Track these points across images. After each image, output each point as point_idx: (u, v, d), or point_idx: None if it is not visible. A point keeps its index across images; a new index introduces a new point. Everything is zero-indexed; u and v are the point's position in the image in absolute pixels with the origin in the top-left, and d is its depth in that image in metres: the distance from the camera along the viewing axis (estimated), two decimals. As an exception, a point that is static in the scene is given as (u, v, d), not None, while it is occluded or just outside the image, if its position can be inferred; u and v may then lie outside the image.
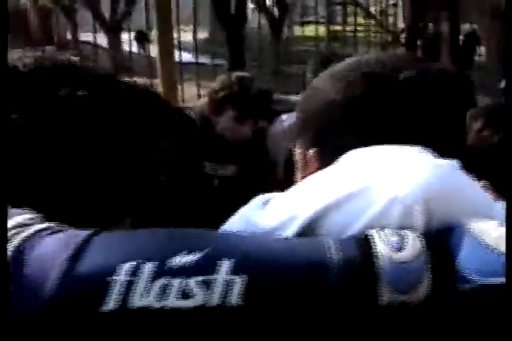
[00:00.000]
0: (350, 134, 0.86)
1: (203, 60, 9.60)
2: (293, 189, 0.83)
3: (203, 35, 16.06)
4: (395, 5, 21.09)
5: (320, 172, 0.84)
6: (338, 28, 14.82)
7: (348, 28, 13.94)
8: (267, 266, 0.65)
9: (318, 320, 0.64)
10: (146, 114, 0.92)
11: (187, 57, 8.58)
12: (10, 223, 0.72)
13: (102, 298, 0.63)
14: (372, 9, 15.65)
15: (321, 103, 0.89)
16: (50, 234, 0.70)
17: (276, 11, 14.10)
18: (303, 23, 14.07)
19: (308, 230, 0.74)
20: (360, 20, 15.29)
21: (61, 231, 0.71)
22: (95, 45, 14.24)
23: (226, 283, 0.63)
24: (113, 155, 0.87)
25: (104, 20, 16.96)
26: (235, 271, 0.64)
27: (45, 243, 0.68)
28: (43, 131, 0.83)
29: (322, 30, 10.31)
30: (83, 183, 0.85)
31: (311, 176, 0.84)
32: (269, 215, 0.78)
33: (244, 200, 0.81)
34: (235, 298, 0.63)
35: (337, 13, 18.23)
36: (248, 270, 0.64)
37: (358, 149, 0.83)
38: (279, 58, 13.91)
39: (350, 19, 15.44)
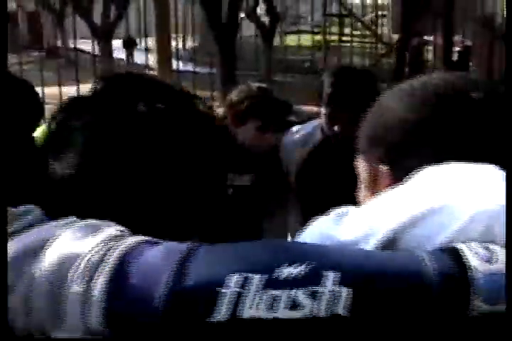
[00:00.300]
0: (424, 151, 0.88)
1: (191, 68, 9.55)
2: (369, 203, 0.85)
3: (192, 43, 16.09)
4: (384, 16, 21.28)
5: (396, 187, 0.86)
6: (332, 37, 14.94)
7: (342, 38, 14.07)
8: (371, 277, 0.67)
9: (421, 327, 0.67)
10: (216, 130, 0.95)
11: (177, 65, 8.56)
12: (101, 235, 0.74)
13: (212, 309, 0.66)
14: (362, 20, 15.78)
15: (392, 120, 0.93)
16: (150, 246, 0.73)
17: (267, 20, 14.15)
18: (293, 32, 14.08)
19: (389, 244, 0.76)
20: (353, 31, 15.46)
21: (159, 243, 0.74)
22: (85, 52, 14.23)
23: (333, 294, 0.65)
24: (190, 170, 0.89)
25: (95, 27, 16.91)
26: (341, 282, 0.66)
27: (147, 255, 0.71)
28: (119, 146, 0.85)
29: (312, 38, 10.35)
30: (159, 200, 0.87)
31: (387, 191, 0.86)
32: (346, 229, 0.80)
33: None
34: (341, 308, 0.65)
35: (329, 22, 18.34)
36: (353, 281, 0.67)
37: (434, 166, 0.85)
38: (271, 67, 13.95)
39: (341, 29, 15.61)
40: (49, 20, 18.93)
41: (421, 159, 0.88)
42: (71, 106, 0.91)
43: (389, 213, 0.79)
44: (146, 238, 0.75)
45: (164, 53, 5.28)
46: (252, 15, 13.97)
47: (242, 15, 14.25)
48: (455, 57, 10.41)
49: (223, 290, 0.66)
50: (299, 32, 14.22)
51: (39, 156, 1.77)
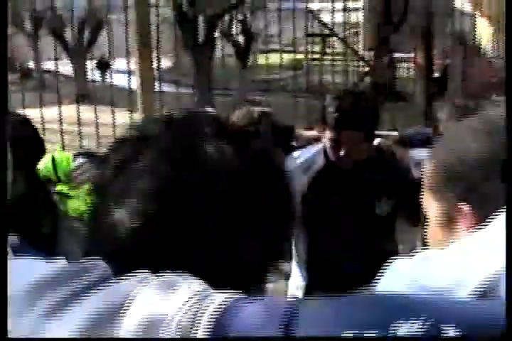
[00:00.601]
0: (505, 191, 0.90)
1: (167, 88, 9.56)
2: (453, 247, 0.87)
3: (166, 63, 16.12)
4: (357, 33, 21.50)
5: (479, 230, 0.88)
6: (301, 56, 15.07)
7: (315, 57, 14.20)
8: (481, 327, 0.67)
9: None
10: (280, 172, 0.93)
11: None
12: (185, 293, 0.73)
13: None
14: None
15: (473, 160, 0.96)
16: (243, 305, 0.71)
17: (241, 40, 14.27)
18: (267, 51, 14.21)
19: (485, 294, 0.77)
20: (324, 49, 15.63)
21: (251, 301, 0.72)
22: (58, 73, 14.17)
23: None
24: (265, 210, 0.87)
25: (68, 48, 16.88)
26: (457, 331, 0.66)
27: (244, 314, 0.70)
28: (191, 191, 0.84)
29: (285, 58, 10.44)
30: (232, 245, 0.85)
31: (469, 233, 0.89)
32: (436, 276, 0.82)
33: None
34: None
35: (300, 42, 18.52)
36: (469, 331, 0.66)
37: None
38: (246, 86, 14.04)
39: (323, 48, 15.77)
40: (22, 41, 18.86)
41: (502, 199, 0.89)
42: (129, 147, 0.89)
43: (479, 261, 0.80)
44: (235, 295, 0.73)
45: (147, 75, 5.25)
46: (227, 35, 14.09)
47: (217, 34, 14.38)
48: (436, 73, 10.58)
49: None
50: (269, 51, 14.34)
51: (43, 188, 1.75)
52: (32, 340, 0.81)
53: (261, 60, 14.80)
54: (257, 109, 2.85)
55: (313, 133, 3.13)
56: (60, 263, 0.81)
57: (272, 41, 16.15)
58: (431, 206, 1.04)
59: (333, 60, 11.64)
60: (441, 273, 0.81)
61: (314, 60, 15.11)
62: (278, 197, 0.88)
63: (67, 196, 2.30)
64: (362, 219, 2.64)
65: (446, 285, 0.79)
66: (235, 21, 15.31)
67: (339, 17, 17.24)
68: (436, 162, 1.03)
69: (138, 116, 4.11)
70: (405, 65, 9.71)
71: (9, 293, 0.78)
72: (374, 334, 0.64)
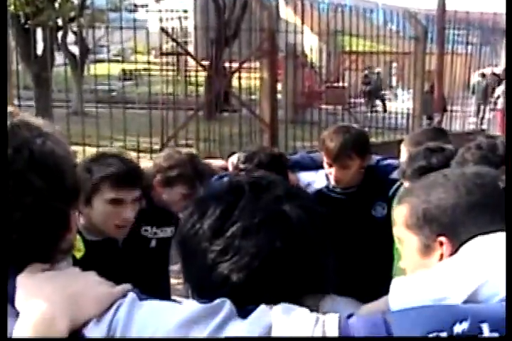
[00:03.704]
0: (472, 226, 1.27)
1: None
2: (436, 269, 1.22)
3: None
4: (186, 42, 21.75)
5: (451, 257, 1.23)
6: (131, 66, 14.98)
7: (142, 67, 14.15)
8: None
9: None
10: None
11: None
12: (309, 316, 0.98)
13: None
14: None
15: (445, 205, 1.32)
16: (347, 319, 0.99)
17: (77, 51, 14.12)
18: (96, 62, 13.93)
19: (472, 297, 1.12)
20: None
21: (351, 315, 1.00)
22: None
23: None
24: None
25: None
26: (492, 329, 0.97)
27: (354, 328, 0.97)
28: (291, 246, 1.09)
29: (109, 68, 10.27)
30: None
31: (445, 260, 1.23)
32: (436, 288, 1.16)
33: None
34: None
35: (128, 51, 18.44)
36: (498, 327, 0.98)
37: (478, 238, 1.24)
38: (81, 98, 13.90)
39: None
40: None
41: (471, 231, 1.27)
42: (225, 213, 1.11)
43: (463, 274, 1.15)
44: (338, 314, 0.99)
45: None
46: (62, 46, 13.93)
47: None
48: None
49: None
50: (97, 61, 14.11)
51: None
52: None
53: (92, 70, 14.48)
54: (184, 151, 3.07)
55: (221, 163, 3.45)
56: (191, 305, 1.03)
57: (102, 52, 15.91)
58: (409, 239, 1.36)
59: (166, 70, 11.65)
60: (437, 286, 1.14)
61: (145, 70, 15.10)
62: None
63: None
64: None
65: (443, 295, 1.12)
66: (69, 32, 15.15)
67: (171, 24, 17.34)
68: (410, 207, 1.37)
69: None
70: (243, 75, 10.00)
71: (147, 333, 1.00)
72: (444, 335, 0.94)
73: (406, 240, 1.37)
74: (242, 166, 2.96)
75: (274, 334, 0.95)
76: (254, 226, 1.08)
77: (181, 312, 1.02)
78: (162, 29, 9.58)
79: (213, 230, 1.09)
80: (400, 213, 1.39)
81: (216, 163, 3.51)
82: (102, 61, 14.35)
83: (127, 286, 1.14)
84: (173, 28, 16.20)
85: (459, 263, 1.21)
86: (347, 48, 13.11)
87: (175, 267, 3.27)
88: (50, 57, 9.61)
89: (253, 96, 11.14)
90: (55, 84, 13.17)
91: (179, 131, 8.86)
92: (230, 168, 3.21)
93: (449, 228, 1.29)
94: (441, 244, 1.29)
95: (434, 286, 1.18)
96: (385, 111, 16.17)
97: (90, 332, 1.04)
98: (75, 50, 14.78)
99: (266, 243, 1.07)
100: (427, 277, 1.22)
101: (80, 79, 14.67)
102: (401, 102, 17.17)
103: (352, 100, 14.03)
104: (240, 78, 9.69)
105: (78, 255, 2.32)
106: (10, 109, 1.22)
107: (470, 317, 0.96)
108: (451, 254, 1.26)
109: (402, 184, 3.15)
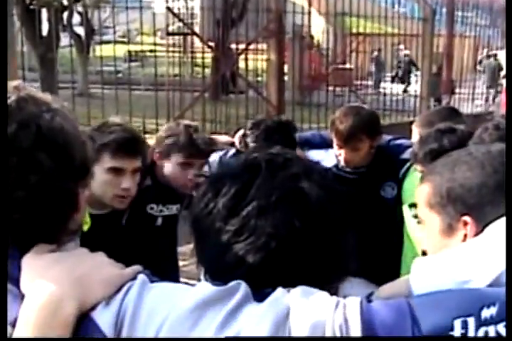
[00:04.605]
0: (498, 207, 1.22)
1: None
2: (458, 250, 1.17)
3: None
4: (192, 24, 21.61)
5: (475, 238, 1.19)
6: (137, 48, 14.91)
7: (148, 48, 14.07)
8: None
9: None
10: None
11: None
12: (328, 301, 0.94)
13: None
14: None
15: (470, 184, 1.27)
16: (369, 304, 0.95)
17: (82, 32, 14.06)
18: (102, 43, 13.84)
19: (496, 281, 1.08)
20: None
21: (371, 301, 0.96)
22: None
23: None
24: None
25: None
26: None
27: (379, 313, 0.93)
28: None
29: (114, 49, 10.19)
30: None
31: (474, 240, 1.19)
32: (459, 270, 1.10)
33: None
34: None
35: (134, 32, 18.36)
36: None
37: (504, 219, 1.19)
38: (86, 79, 13.86)
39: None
40: None
41: (497, 212, 1.22)
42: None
43: (482, 264, 1.11)
44: (359, 298, 0.96)
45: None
46: (67, 27, 13.85)
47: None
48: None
49: (453, 333, 0.90)
50: (103, 43, 14.08)
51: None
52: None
53: (98, 51, 14.43)
54: (183, 122, 3.04)
55: (226, 139, 3.42)
56: (205, 287, 0.98)
57: (108, 33, 15.86)
58: (431, 219, 1.31)
59: (173, 51, 11.58)
60: (462, 268, 1.09)
61: (151, 51, 15.04)
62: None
63: None
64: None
65: (468, 278, 1.07)
66: (75, 13, 15.05)
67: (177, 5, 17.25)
68: (433, 186, 1.32)
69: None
70: (250, 56, 9.94)
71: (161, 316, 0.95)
72: (472, 320, 0.90)
73: (428, 220, 1.33)
74: (248, 132, 2.92)
75: (293, 317, 0.92)
76: (271, 204, 1.04)
77: (195, 294, 0.98)
78: (168, 8, 9.47)
79: (228, 209, 1.05)
80: (422, 192, 1.36)
81: (221, 138, 3.48)
82: (107, 42, 14.30)
83: (137, 268, 1.10)
84: (179, 9, 16.07)
85: (484, 244, 1.17)
86: (354, 30, 13.00)
87: (183, 248, 3.25)
88: (55, 38, 9.53)
89: (259, 78, 11.07)
90: (60, 66, 13.10)
91: (185, 113, 8.80)
92: (237, 143, 3.17)
93: (475, 208, 1.25)
94: (466, 224, 1.26)
95: (458, 268, 1.14)
96: (405, 91, 15.90)
97: (99, 315, 1.01)
98: (80, 31, 14.69)
99: (283, 222, 1.03)
100: (450, 258, 1.18)
101: (85, 61, 14.59)
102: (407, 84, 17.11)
103: (358, 82, 13.96)
104: (246, 59, 9.62)
105: (85, 227, 2.28)
106: (15, 83, 1.17)
107: (498, 302, 0.93)
108: (476, 235, 1.22)
109: (412, 164, 3.11)
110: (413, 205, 3.13)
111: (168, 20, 10.14)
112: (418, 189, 1.41)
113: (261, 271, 1.02)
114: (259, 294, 0.98)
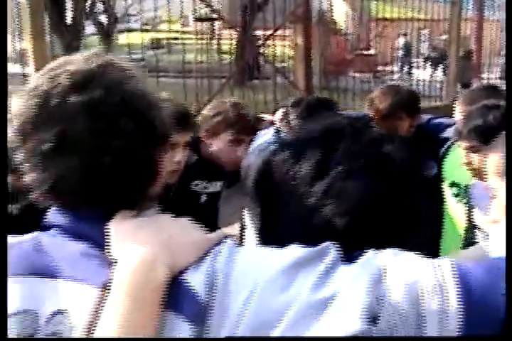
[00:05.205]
0: None
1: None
2: None
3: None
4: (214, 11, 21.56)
5: None
6: (162, 35, 14.97)
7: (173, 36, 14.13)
8: None
9: None
10: None
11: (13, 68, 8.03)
12: (424, 260, 0.95)
13: None
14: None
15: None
16: (463, 265, 0.94)
17: (105, 19, 14.10)
18: (127, 31, 13.94)
19: None
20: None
21: (463, 263, 0.96)
22: None
23: None
24: None
25: None
26: None
27: (471, 273, 0.93)
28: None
29: (142, 37, 10.21)
30: None
31: None
32: None
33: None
34: None
35: (157, 20, 18.39)
36: None
37: None
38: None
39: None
40: None
41: None
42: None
43: None
44: (449, 259, 0.96)
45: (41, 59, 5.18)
46: (90, 15, 13.90)
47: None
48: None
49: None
50: (128, 31, 14.16)
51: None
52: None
53: (122, 39, 14.50)
54: (229, 100, 3.04)
55: (268, 117, 3.41)
56: (294, 250, 0.98)
57: (132, 21, 15.91)
58: (503, 188, 1.29)
59: (200, 38, 11.58)
60: None
61: (175, 39, 15.08)
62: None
63: None
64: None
65: None
66: (98, 1, 15.09)
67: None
68: (500, 155, 1.31)
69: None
70: (272, 42, 9.90)
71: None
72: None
73: (499, 189, 1.32)
74: (290, 109, 2.91)
75: (388, 277, 0.91)
76: (357, 169, 1.04)
77: (286, 256, 0.97)
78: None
79: (314, 173, 1.05)
80: (492, 162, 1.35)
81: (264, 116, 3.47)
82: (130, 30, 14.34)
83: (222, 233, 1.09)
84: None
85: None
86: (377, 15, 12.91)
87: (226, 229, 3.25)
88: (79, 25, 9.56)
89: (284, 64, 11.03)
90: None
91: (213, 99, 8.80)
92: (278, 122, 3.15)
93: None
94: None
95: None
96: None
97: (190, 277, 0.99)
98: (103, 19, 14.74)
99: (369, 186, 1.03)
100: None
101: (109, 49, 14.65)
102: (431, 70, 16.97)
103: (382, 68, 13.88)
104: (274, 45, 9.60)
105: None
106: (94, 50, 1.17)
107: None
108: None
109: (453, 143, 3.08)
110: (454, 184, 3.12)
111: (194, 6, 10.14)
112: (488, 160, 1.40)
113: (347, 234, 1.02)
114: (349, 257, 0.97)
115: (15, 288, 1.03)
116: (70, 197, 1.09)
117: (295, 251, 0.98)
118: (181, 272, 1.01)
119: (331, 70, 13.18)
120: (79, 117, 1.04)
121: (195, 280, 0.99)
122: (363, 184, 1.03)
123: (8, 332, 0.98)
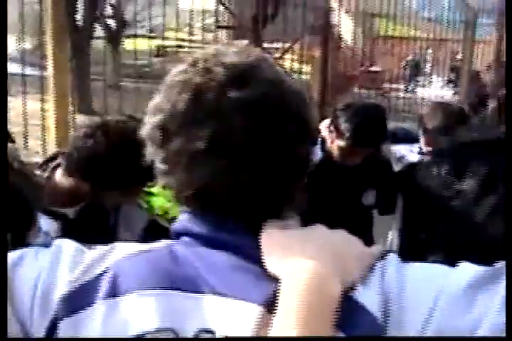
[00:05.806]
0: None
1: (30, 71, 9.07)
2: None
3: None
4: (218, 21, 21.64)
5: None
6: (168, 43, 14.96)
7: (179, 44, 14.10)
8: None
9: None
10: None
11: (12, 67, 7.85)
12: None
13: None
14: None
15: None
16: None
17: (113, 24, 14.09)
18: (134, 36, 13.88)
19: None
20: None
21: None
22: None
23: None
24: None
25: None
26: None
27: None
28: None
29: (149, 43, 10.21)
30: None
31: None
32: None
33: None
34: None
35: (160, 28, 18.41)
36: None
37: None
38: (117, 72, 13.88)
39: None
40: None
41: None
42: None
43: None
44: None
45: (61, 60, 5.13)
46: (99, 19, 13.90)
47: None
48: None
49: None
50: (135, 36, 14.13)
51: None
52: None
53: (128, 45, 14.47)
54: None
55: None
56: (472, 267, 0.93)
57: (140, 27, 15.87)
58: None
59: (202, 47, 11.56)
60: None
61: (180, 46, 15.06)
62: None
63: (152, 194, 2.29)
64: (350, 208, 2.99)
65: None
66: (107, 5, 15.09)
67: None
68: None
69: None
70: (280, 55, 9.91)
71: None
72: None
73: None
74: (339, 113, 2.86)
75: None
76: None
77: (462, 274, 0.91)
78: (220, 1, 9.48)
79: (481, 188, 1.05)
80: None
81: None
82: (136, 36, 14.32)
83: (381, 247, 1.01)
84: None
85: None
86: (386, 32, 12.97)
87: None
88: (91, 28, 9.57)
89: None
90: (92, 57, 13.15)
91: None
92: (324, 133, 3.08)
93: None
94: None
95: None
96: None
97: (362, 295, 0.91)
98: (111, 23, 14.75)
99: None
100: None
101: (115, 54, 14.64)
102: (434, 89, 17.03)
103: (387, 85, 13.92)
104: (292, 60, 9.56)
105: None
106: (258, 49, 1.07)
107: None
108: None
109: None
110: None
111: (204, 15, 10.18)
112: None
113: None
114: None
115: (152, 302, 0.92)
116: (214, 203, 0.99)
117: (470, 269, 0.92)
118: (351, 288, 0.92)
119: (339, 86, 13.20)
120: (236, 115, 0.94)
121: (369, 298, 0.91)
122: None
123: None
